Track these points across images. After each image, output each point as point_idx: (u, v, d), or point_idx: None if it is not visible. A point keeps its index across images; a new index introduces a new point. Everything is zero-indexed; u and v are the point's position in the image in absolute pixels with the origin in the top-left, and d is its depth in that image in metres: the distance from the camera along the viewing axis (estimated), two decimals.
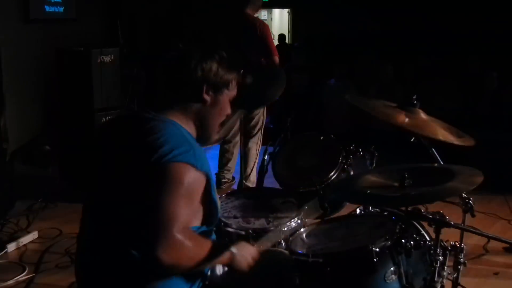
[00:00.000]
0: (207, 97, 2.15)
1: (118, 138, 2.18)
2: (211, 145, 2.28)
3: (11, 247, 4.41)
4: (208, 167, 2.05)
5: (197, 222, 2.09)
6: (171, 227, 1.86)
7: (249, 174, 5.30)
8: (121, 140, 2.15)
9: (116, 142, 2.16)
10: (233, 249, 2.14)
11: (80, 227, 2.25)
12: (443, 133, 2.81)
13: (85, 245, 2.21)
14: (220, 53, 2.18)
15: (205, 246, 2.03)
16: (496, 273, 4.08)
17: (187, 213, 1.94)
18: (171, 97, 2.16)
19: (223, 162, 5.74)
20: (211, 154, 5.82)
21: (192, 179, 1.96)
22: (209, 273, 2.26)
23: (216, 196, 2.16)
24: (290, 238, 2.63)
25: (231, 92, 2.23)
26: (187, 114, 2.15)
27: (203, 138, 2.22)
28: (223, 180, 5.72)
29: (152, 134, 2.01)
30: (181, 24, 9.05)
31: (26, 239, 4.55)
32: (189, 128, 2.16)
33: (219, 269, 2.30)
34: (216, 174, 5.67)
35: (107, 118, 5.43)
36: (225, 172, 5.73)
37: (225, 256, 2.11)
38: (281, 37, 11.41)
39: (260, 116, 5.54)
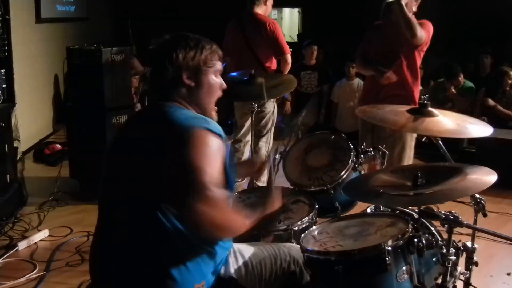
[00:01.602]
0: (190, 82, 2.23)
1: (132, 130, 2.28)
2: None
3: (22, 245, 4.43)
4: (223, 133, 2.14)
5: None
6: (208, 182, 1.97)
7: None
8: (136, 130, 2.24)
9: (132, 134, 2.25)
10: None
11: (99, 219, 2.27)
12: (451, 131, 2.78)
13: (102, 240, 2.23)
14: (182, 37, 2.25)
15: (237, 211, 2.19)
16: (508, 273, 4.06)
17: (217, 171, 2.04)
18: (164, 93, 2.25)
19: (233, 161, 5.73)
20: None
21: (214, 143, 2.06)
22: (222, 265, 2.27)
23: (230, 169, 2.21)
24: (302, 236, 2.62)
25: (213, 67, 2.29)
26: (185, 101, 2.24)
27: (204, 113, 2.30)
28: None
29: (169, 117, 2.11)
30: (190, 23, 9.04)
31: (37, 237, 4.57)
32: (193, 110, 2.25)
33: (232, 260, 2.31)
34: None
35: (117, 117, 5.43)
36: None
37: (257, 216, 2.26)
38: (300, 36, 11.42)
39: (270, 116, 5.53)
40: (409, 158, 4.50)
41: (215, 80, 2.30)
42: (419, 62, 4.49)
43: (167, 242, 2.06)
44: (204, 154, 2.01)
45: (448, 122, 2.81)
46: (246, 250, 2.43)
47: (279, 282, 2.42)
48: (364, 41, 4.71)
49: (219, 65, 2.31)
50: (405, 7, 4.15)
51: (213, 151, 2.04)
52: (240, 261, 2.35)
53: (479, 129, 2.82)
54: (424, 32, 4.29)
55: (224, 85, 2.35)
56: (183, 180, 1.98)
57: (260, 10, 5.45)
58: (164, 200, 2.04)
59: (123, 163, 2.19)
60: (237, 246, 2.42)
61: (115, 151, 2.28)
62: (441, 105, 6.42)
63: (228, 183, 2.16)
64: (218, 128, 2.11)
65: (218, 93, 2.33)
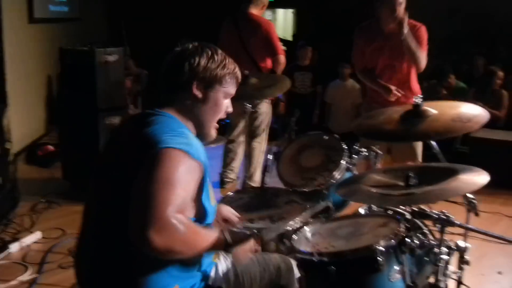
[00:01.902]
0: (198, 93, 2.16)
1: (120, 134, 2.25)
2: (210, 140, 2.27)
3: (14, 247, 4.41)
4: (205, 158, 2.04)
5: (191, 213, 2.05)
6: (164, 209, 1.82)
7: (253, 174, 5.30)
8: (123, 135, 2.20)
9: (119, 138, 2.22)
10: (228, 238, 2.09)
11: (82, 227, 2.26)
12: (445, 130, 2.78)
13: (83, 239, 2.23)
14: (212, 49, 2.19)
15: (200, 232, 2.00)
16: (499, 272, 4.08)
17: (181, 198, 1.90)
18: (168, 95, 2.19)
19: (226, 161, 5.73)
20: (215, 154, 5.80)
21: (186, 167, 1.94)
22: (212, 273, 2.26)
23: (210, 190, 2.15)
24: (295, 237, 2.63)
25: (226, 88, 2.22)
26: (184, 112, 2.17)
27: (201, 135, 2.22)
28: (226, 179, 5.70)
29: (150, 126, 2.04)
30: (185, 24, 9.04)
31: (29, 239, 4.55)
32: (189, 125, 2.18)
33: (223, 271, 2.29)
34: (219, 173, 5.66)
35: (110, 118, 5.43)
36: (228, 171, 5.71)
37: (221, 244, 2.07)
38: (295, 36, 11.42)
39: (265, 116, 5.53)
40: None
41: (223, 101, 2.23)
42: None
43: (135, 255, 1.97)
44: (169, 179, 1.87)
45: (444, 119, 2.80)
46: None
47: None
48: (356, 49, 4.68)
49: (232, 90, 2.25)
50: (409, 40, 4.25)
51: (181, 176, 1.91)
52: (231, 274, 2.30)
53: (477, 120, 2.82)
54: (425, 53, 4.41)
55: (231, 110, 2.28)
56: (139, 200, 1.86)
57: (255, 10, 5.45)
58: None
59: (107, 168, 2.16)
60: (225, 256, 2.36)
61: (103, 156, 2.25)
62: None
63: (203, 209, 2.09)
64: (198, 151, 2.00)
65: (221, 115, 2.26)
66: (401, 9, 4.28)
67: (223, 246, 2.08)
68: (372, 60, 4.58)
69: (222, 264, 2.31)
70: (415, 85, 4.60)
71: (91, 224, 2.19)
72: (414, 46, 4.32)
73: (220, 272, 2.29)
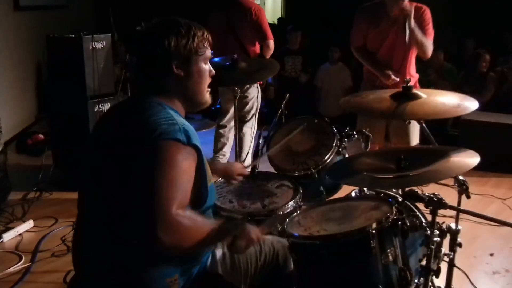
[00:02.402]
0: (179, 71, 2.13)
1: (108, 126, 2.19)
2: (207, 105, 2.26)
3: (7, 236, 4.41)
4: (197, 140, 2.04)
5: (193, 197, 2.04)
6: (169, 207, 1.84)
7: (244, 159, 5.29)
8: (112, 125, 2.16)
9: (106, 130, 2.17)
10: (234, 230, 2.10)
11: (78, 215, 2.25)
12: (437, 112, 2.78)
13: (82, 230, 2.22)
14: (174, 24, 2.14)
15: (206, 225, 2.00)
16: (491, 254, 4.10)
17: (183, 192, 1.92)
18: (148, 81, 2.16)
19: (218, 147, 5.72)
20: (206, 140, 5.79)
21: (183, 156, 1.95)
22: (209, 260, 2.26)
23: (208, 170, 2.15)
24: (287, 221, 2.62)
25: (204, 55, 2.19)
26: (168, 92, 2.15)
27: (195, 105, 2.23)
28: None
29: (140, 116, 2.02)
30: (174, 9, 8.97)
31: (21, 228, 4.55)
32: (175, 105, 2.16)
33: (219, 255, 2.29)
34: (210, 159, 5.65)
35: (100, 105, 5.41)
36: (220, 156, 5.70)
37: (227, 236, 2.08)
38: (281, 20, 11.35)
39: (255, 101, 5.52)
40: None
41: (205, 68, 2.21)
42: None
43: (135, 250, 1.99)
44: (169, 174, 1.88)
45: (434, 103, 2.81)
46: None
47: (263, 275, 2.40)
48: (357, 29, 4.59)
49: (208, 52, 2.22)
50: (415, 32, 4.18)
51: (180, 168, 1.92)
52: (227, 257, 2.32)
53: (466, 106, 2.82)
54: (431, 40, 4.38)
55: (213, 72, 2.26)
56: (143, 201, 1.87)
57: None
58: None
59: (99, 160, 2.12)
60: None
61: (93, 146, 2.20)
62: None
63: (204, 190, 2.10)
64: (191, 135, 2.00)
65: (208, 80, 2.24)
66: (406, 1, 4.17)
67: (229, 236, 2.08)
68: (374, 43, 4.51)
69: (218, 249, 2.32)
70: (413, 69, 4.57)
71: (89, 215, 2.17)
72: (421, 37, 4.25)
73: (217, 257, 2.29)
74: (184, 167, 1.95)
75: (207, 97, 2.25)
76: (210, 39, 2.23)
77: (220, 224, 2.07)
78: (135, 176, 1.92)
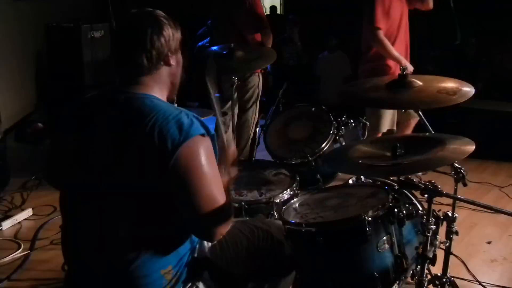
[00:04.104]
0: (173, 61, 2.14)
1: (108, 125, 2.07)
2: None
3: (6, 224, 4.41)
4: (208, 126, 2.05)
5: None
6: (218, 202, 1.97)
7: (244, 147, 5.29)
8: (108, 125, 2.06)
9: (109, 130, 2.06)
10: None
11: (65, 211, 2.23)
12: (431, 100, 2.78)
13: (75, 228, 2.19)
14: (159, 17, 2.13)
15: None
16: (488, 242, 4.11)
17: (219, 181, 2.02)
18: (137, 69, 2.11)
19: (219, 134, 5.70)
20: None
21: (209, 150, 2.01)
22: (197, 246, 2.26)
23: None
24: (283, 208, 2.63)
25: (181, 46, 2.21)
26: (159, 81, 2.13)
27: (174, 93, 2.24)
28: None
29: (147, 119, 1.97)
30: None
31: (20, 217, 4.55)
32: (162, 95, 2.14)
33: (207, 243, 2.29)
34: None
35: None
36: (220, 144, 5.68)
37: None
38: (273, 9, 11.32)
39: (255, 89, 5.49)
40: None
41: (179, 57, 2.21)
42: None
43: (133, 231, 2.02)
44: (204, 174, 1.96)
45: (430, 90, 2.80)
46: None
47: (258, 258, 2.38)
48: (381, 9, 4.35)
49: (184, 40, 2.23)
50: None
51: (213, 162, 2.02)
52: (216, 243, 2.29)
53: (463, 92, 2.80)
54: None
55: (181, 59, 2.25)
56: (194, 206, 1.96)
57: None
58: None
59: (102, 159, 2.05)
60: None
61: (86, 144, 2.10)
62: None
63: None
64: (202, 124, 2.03)
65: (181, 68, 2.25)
66: None
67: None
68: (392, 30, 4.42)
69: None
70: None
71: (83, 210, 2.13)
72: None
73: (204, 242, 2.28)
74: (213, 158, 2.02)
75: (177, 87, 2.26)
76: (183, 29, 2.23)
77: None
78: (175, 179, 1.94)
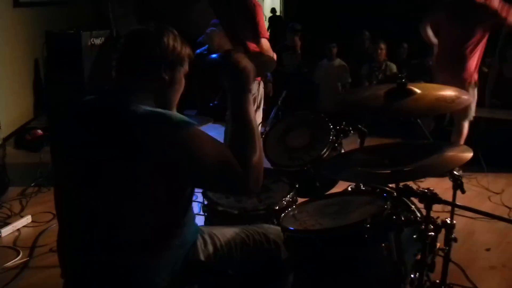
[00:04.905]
0: (165, 76, 2.12)
1: (98, 131, 2.06)
2: None
3: (5, 231, 4.42)
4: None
5: None
6: (234, 167, 2.02)
7: None
8: (104, 134, 2.04)
9: (98, 136, 2.05)
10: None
11: (61, 218, 2.22)
12: (428, 108, 2.79)
13: (70, 231, 2.18)
14: (171, 30, 2.16)
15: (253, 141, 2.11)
16: (487, 249, 4.11)
17: (226, 149, 2.06)
18: (129, 78, 2.12)
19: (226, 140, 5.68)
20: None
21: (198, 131, 2.03)
22: (191, 249, 2.25)
23: None
24: (282, 215, 2.64)
25: (185, 68, 2.20)
26: (147, 94, 2.11)
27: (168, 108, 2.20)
28: None
29: (144, 123, 1.97)
30: (173, 6, 8.97)
31: (19, 224, 4.55)
32: (152, 104, 2.11)
33: (200, 242, 2.29)
34: None
35: None
36: None
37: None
38: (272, 10, 11.35)
39: (256, 97, 5.47)
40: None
41: (182, 81, 2.21)
42: None
43: (127, 237, 2.02)
44: (207, 144, 2.01)
45: (428, 98, 2.80)
46: (215, 231, 2.39)
47: (253, 262, 2.37)
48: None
49: (187, 67, 2.22)
50: None
51: (211, 137, 2.04)
52: (209, 242, 2.31)
53: (461, 100, 2.80)
54: None
55: (183, 84, 2.26)
56: (217, 174, 2.03)
57: None
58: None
59: (95, 162, 2.04)
60: (206, 229, 2.39)
61: (78, 149, 2.09)
62: None
63: None
64: (190, 121, 2.04)
65: (179, 95, 2.24)
66: None
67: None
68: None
69: (198, 237, 2.30)
70: None
71: (82, 215, 2.12)
72: None
73: (198, 244, 2.27)
74: (206, 134, 2.05)
75: (174, 111, 2.21)
76: (192, 56, 2.24)
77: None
78: (185, 167, 1.98)
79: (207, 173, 2.00)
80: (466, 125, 5.49)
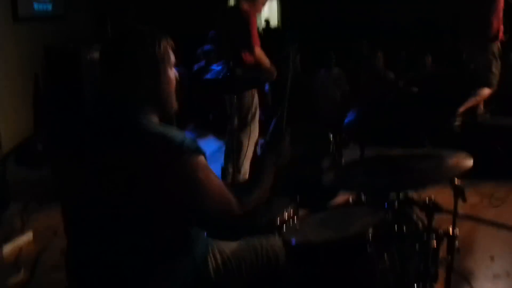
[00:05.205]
0: (148, 81, 2.09)
1: (100, 149, 2.08)
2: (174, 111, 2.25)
3: (6, 248, 4.40)
4: (198, 144, 2.06)
5: None
6: (233, 208, 2.16)
7: (241, 167, 5.25)
8: (105, 152, 2.06)
9: (99, 155, 2.06)
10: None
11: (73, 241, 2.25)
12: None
13: (80, 245, 2.21)
14: (139, 35, 2.11)
15: (261, 187, 2.34)
16: (491, 258, 4.09)
17: (225, 189, 2.15)
18: (121, 93, 2.09)
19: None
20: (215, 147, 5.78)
21: (205, 164, 2.06)
22: (201, 266, 2.26)
23: None
24: (284, 228, 2.63)
25: (169, 61, 2.16)
26: (144, 103, 2.10)
27: (167, 110, 2.20)
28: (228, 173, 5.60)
29: (146, 143, 1.99)
30: (172, 19, 9.01)
31: (21, 240, 4.54)
32: (153, 114, 2.12)
33: (211, 260, 2.29)
34: (222, 167, 5.54)
35: None
36: (229, 165, 5.61)
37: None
38: (267, 23, 11.39)
39: (248, 108, 5.42)
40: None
41: (171, 73, 2.17)
42: None
43: (135, 255, 2.03)
44: (206, 181, 2.05)
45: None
46: (226, 247, 2.40)
47: (258, 277, 2.40)
48: None
49: (173, 57, 2.18)
50: None
51: (211, 174, 2.09)
52: (219, 260, 2.32)
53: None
54: None
55: (177, 75, 2.24)
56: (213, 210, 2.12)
57: (246, 4, 5.33)
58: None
59: (99, 183, 2.05)
60: (216, 244, 2.39)
61: (82, 172, 2.13)
62: None
63: None
64: (196, 143, 2.03)
65: (174, 85, 2.22)
66: None
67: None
68: None
69: (210, 254, 2.31)
70: None
71: (84, 234, 2.16)
72: None
73: (209, 262, 2.28)
74: (211, 171, 2.09)
75: (175, 103, 2.22)
76: (172, 43, 2.20)
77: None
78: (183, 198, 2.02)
79: (205, 205, 2.08)
80: (486, 91, 5.65)
